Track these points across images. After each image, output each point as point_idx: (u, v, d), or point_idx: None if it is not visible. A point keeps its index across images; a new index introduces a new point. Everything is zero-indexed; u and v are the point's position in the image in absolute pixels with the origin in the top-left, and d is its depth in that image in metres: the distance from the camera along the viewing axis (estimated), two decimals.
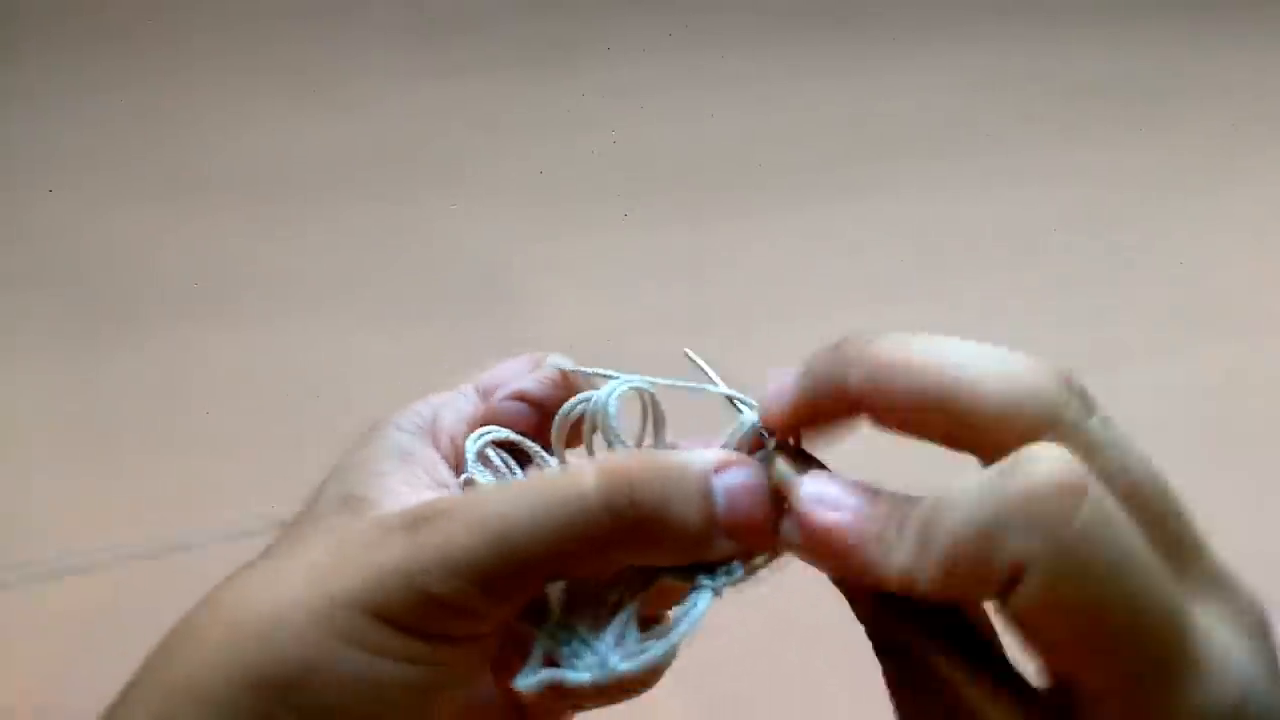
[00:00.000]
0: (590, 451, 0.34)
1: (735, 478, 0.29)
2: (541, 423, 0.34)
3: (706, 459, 0.29)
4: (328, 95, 1.60)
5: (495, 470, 0.33)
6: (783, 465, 0.29)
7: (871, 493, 0.27)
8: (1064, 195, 1.29)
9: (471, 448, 0.33)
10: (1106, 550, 0.24)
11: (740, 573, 0.30)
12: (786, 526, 0.28)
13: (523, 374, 0.36)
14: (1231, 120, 1.47)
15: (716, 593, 0.30)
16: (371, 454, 0.33)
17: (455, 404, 0.35)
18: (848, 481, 0.28)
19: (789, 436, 0.31)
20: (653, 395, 0.34)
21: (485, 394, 0.36)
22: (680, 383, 0.34)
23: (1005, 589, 0.24)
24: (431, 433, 0.34)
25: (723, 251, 1.20)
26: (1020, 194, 1.30)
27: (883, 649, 0.28)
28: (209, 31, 1.84)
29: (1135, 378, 0.96)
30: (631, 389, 0.33)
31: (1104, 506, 0.24)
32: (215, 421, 0.93)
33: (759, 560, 0.30)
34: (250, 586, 0.29)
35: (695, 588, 0.30)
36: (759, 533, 0.29)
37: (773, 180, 1.35)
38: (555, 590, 0.30)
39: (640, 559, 0.29)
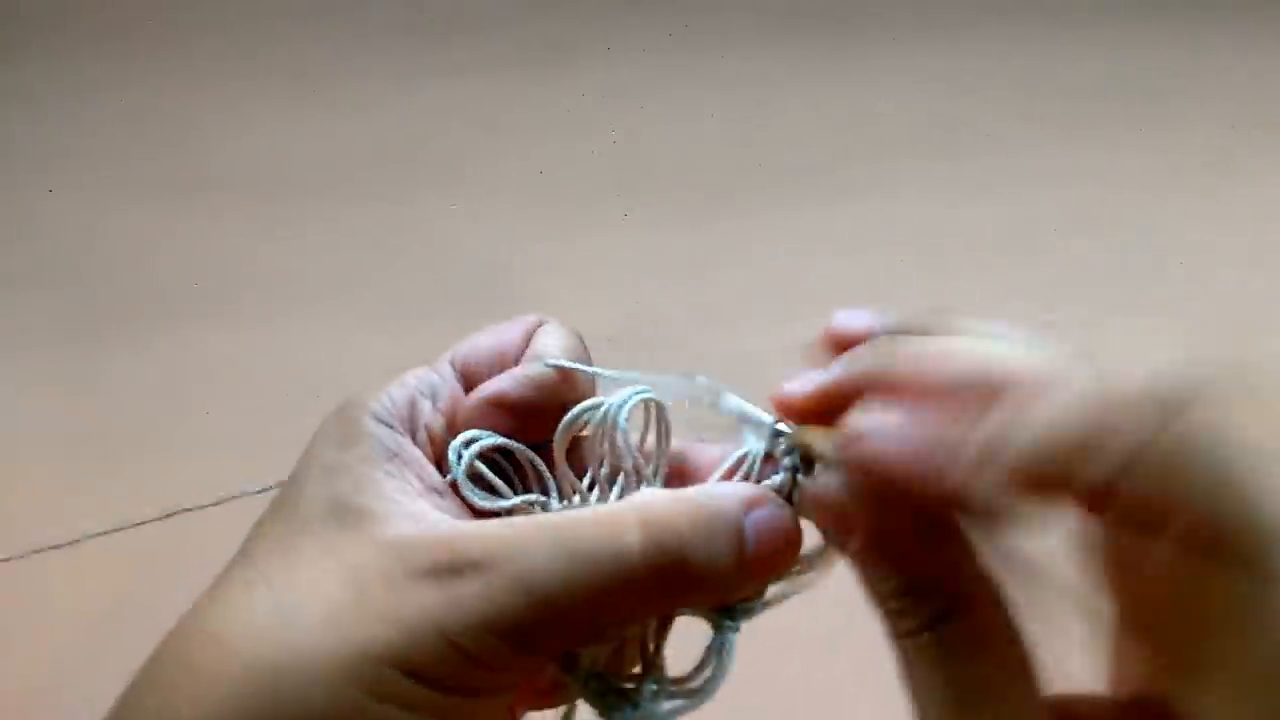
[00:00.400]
0: (592, 459, 0.32)
1: (763, 516, 0.28)
2: (524, 424, 0.32)
3: (737, 497, 0.28)
4: (328, 95, 1.60)
5: (490, 488, 0.32)
6: (811, 434, 0.29)
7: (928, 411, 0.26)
8: (1064, 195, 1.29)
9: (458, 462, 0.31)
10: (1221, 448, 0.24)
11: (759, 610, 0.30)
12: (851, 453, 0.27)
13: (504, 349, 0.34)
14: (1231, 120, 1.47)
15: (737, 630, 0.29)
16: (357, 455, 0.31)
17: (433, 390, 0.33)
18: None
19: (805, 421, 0.30)
20: (660, 406, 0.32)
21: (463, 371, 0.34)
22: (682, 387, 0.32)
23: (1103, 490, 0.24)
24: (409, 424, 0.32)
25: (723, 251, 1.20)
26: (1020, 194, 1.30)
27: (914, 597, 0.27)
28: (209, 32, 1.84)
29: None
30: (641, 399, 0.32)
31: (1220, 406, 0.24)
32: (215, 421, 0.93)
33: (774, 593, 0.30)
34: (256, 620, 0.28)
35: (719, 629, 0.29)
36: (784, 570, 0.29)
37: (773, 180, 1.34)
38: None
39: (674, 607, 0.29)
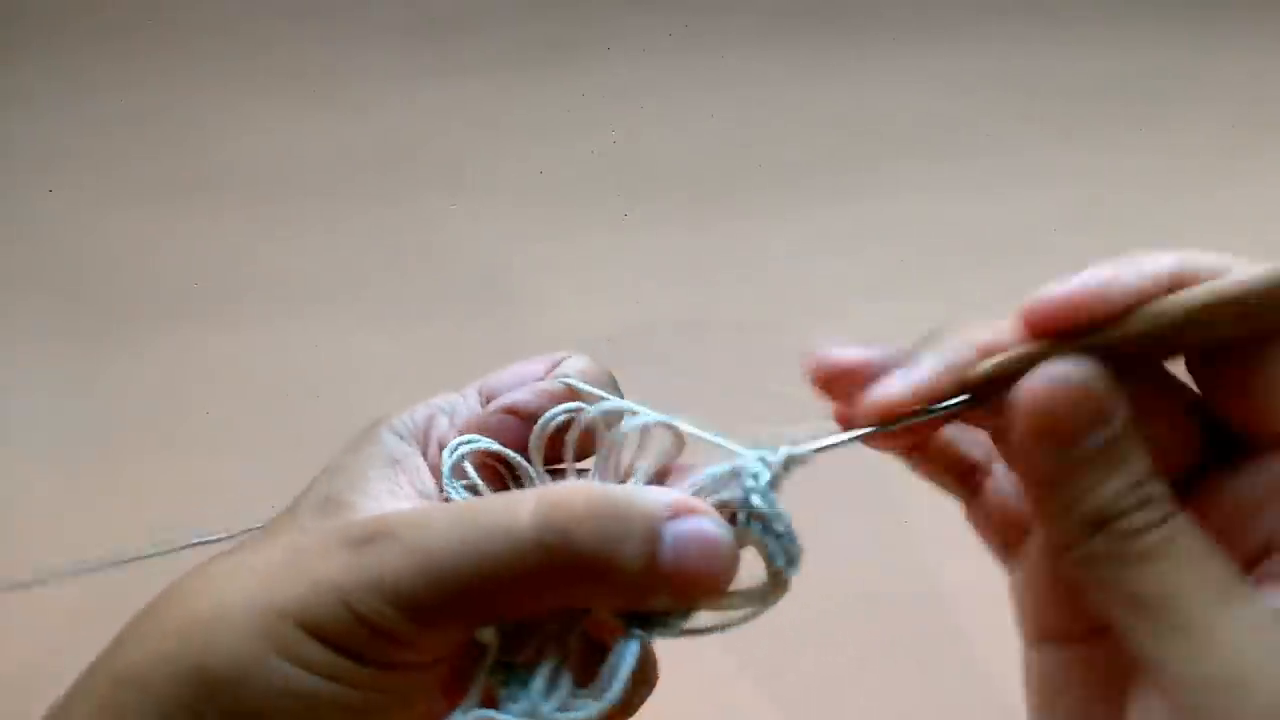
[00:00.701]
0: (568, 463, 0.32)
1: (689, 525, 0.27)
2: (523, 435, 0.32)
3: (661, 500, 0.27)
4: (328, 95, 1.60)
5: (470, 487, 0.32)
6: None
7: None
8: (1064, 195, 1.29)
9: (448, 460, 0.32)
10: None
11: (677, 628, 0.28)
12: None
13: (528, 380, 0.34)
14: (1231, 120, 1.47)
15: (644, 643, 0.28)
16: (360, 458, 0.32)
17: (453, 409, 0.34)
18: None
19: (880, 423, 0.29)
20: (677, 431, 0.31)
21: (487, 398, 0.34)
22: (694, 430, 0.31)
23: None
24: (424, 439, 0.33)
25: (723, 251, 1.20)
26: (1020, 194, 1.30)
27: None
28: (209, 32, 1.84)
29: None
30: (651, 424, 0.31)
31: None
32: (215, 421, 0.93)
33: (704, 622, 0.28)
34: (211, 579, 0.29)
35: (625, 633, 0.28)
36: (707, 589, 0.27)
37: (772, 180, 1.34)
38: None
39: (577, 600, 0.28)
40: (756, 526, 0.28)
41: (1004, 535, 0.34)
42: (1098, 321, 0.29)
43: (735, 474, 0.29)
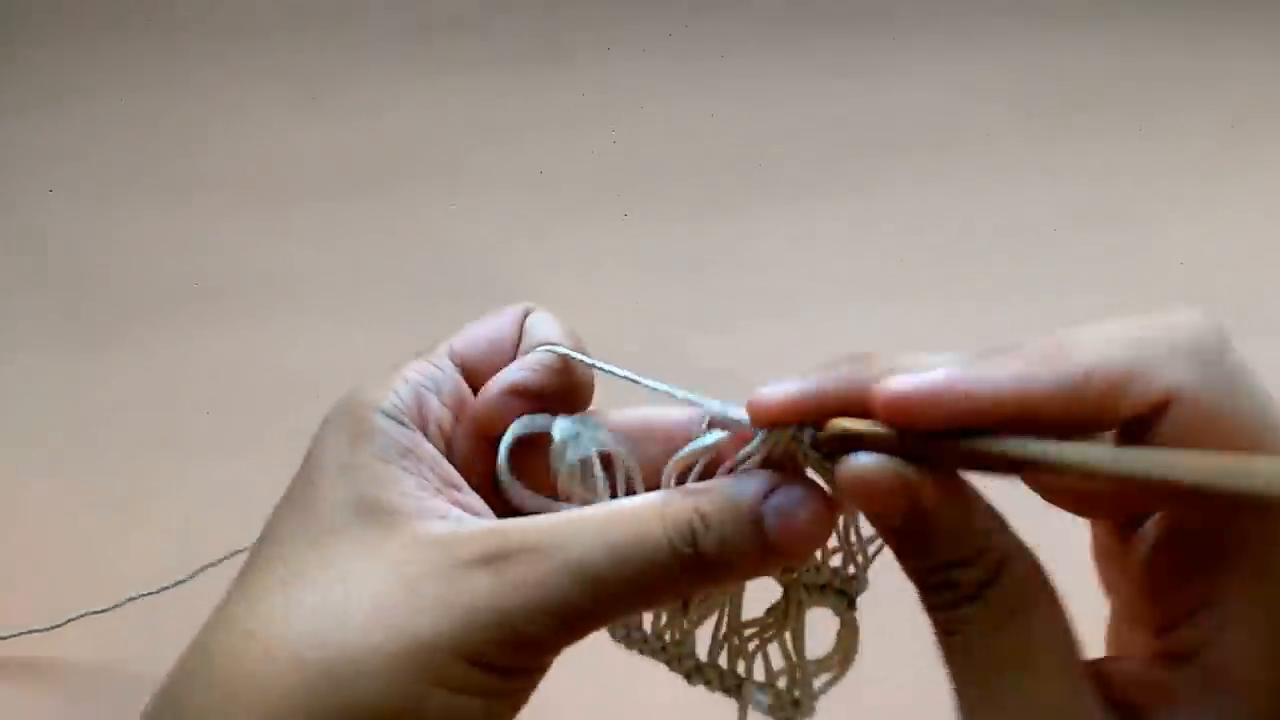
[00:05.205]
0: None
1: (783, 498, 0.30)
2: (540, 410, 0.33)
3: (756, 489, 0.30)
4: (327, 95, 1.60)
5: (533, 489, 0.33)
6: (843, 421, 0.29)
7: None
8: (1063, 194, 1.29)
9: (504, 453, 0.32)
10: (1254, 385, 0.27)
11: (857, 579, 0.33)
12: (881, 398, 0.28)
13: (501, 343, 0.34)
14: (1231, 120, 1.47)
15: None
16: (371, 453, 0.31)
17: (437, 384, 0.34)
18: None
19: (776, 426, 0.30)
20: (620, 454, 0.33)
21: (463, 363, 0.34)
22: (671, 389, 0.33)
23: (1147, 414, 0.26)
24: (420, 420, 0.33)
25: (723, 251, 1.20)
26: (1020, 193, 1.30)
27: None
28: (209, 32, 1.84)
29: None
30: (594, 453, 0.32)
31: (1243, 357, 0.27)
32: (215, 421, 0.93)
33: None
34: (305, 619, 0.28)
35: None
36: (815, 539, 0.30)
37: (773, 180, 1.34)
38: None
39: (711, 590, 0.31)
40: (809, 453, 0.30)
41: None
42: (937, 428, 0.28)
43: (708, 424, 0.32)
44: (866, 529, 0.32)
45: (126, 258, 1.19)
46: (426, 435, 0.33)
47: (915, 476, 0.27)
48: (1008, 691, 0.27)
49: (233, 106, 1.56)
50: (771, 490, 0.29)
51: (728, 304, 1.10)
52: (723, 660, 0.32)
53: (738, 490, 0.29)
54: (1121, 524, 0.31)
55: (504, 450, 0.32)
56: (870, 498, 0.28)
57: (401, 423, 0.32)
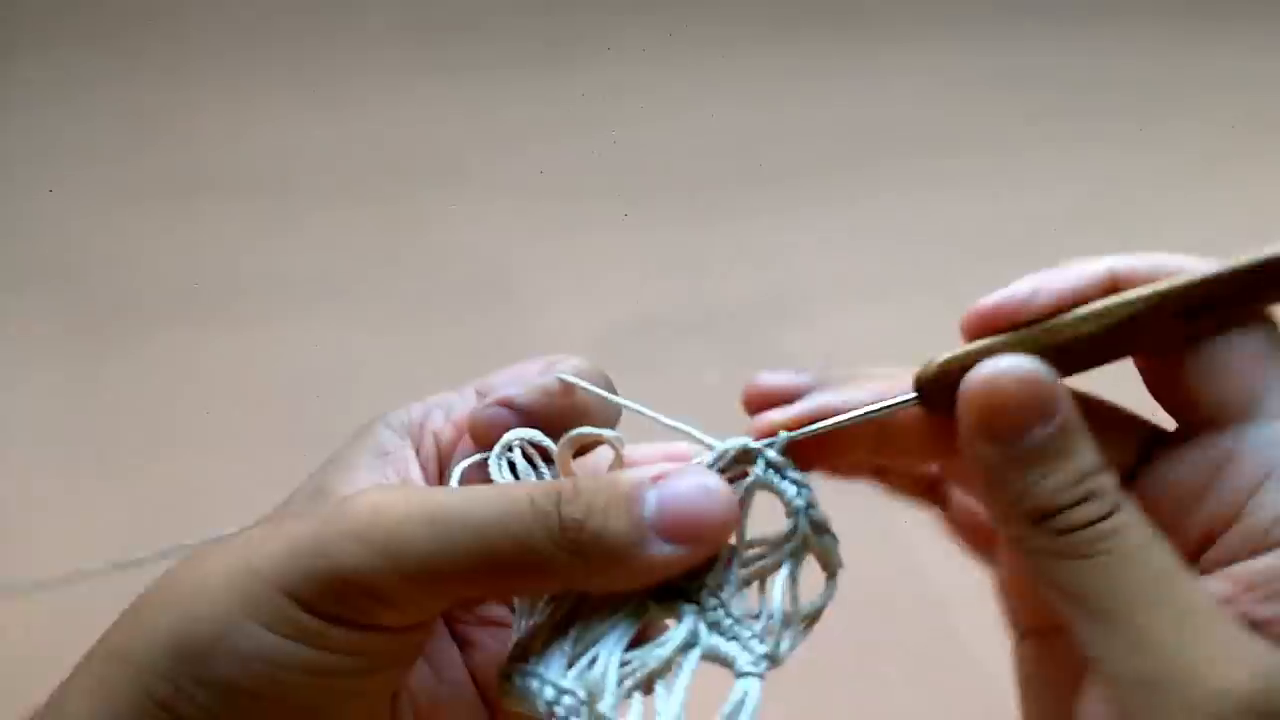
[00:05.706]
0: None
1: (674, 484, 0.28)
2: (532, 427, 0.33)
3: (644, 472, 0.29)
4: (328, 95, 1.60)
5: (511, 465, 0.33)
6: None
7: None
8: (1064, 194, 1.29)
9: (501, 441, 0.33)
10: None
11: (732, 583, 0.30)
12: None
13: (524, 380, 0.34)
14: (1231, 120, 1.47)
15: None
16: (353, 451, 0.33)
17: (449, 405, 0.35)
18: None
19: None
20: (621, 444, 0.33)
21: (483, 397, 0.35)
22: (690, 429, 0.32)
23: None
24: (417, 432, 0.34)
25: (723, 251, 1.20)
26: (1021, 193, 1.30)
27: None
28: (209, 31, 1.84)
29: (1135, 376, 0.96)
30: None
31: None
32: (215, 421, 0.93)
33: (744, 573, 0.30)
34: (200, 558, 0.29)
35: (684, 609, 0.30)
36: (706, 529, 0.28)
37: (773, 180, 1.34)
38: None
39: (598, 582, 0.29)
40: (770, 475, 0.30)
41: (975, 538, 0.35)
42: (1035, 319, 0.29)
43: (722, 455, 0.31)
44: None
45: (126, 258, 1.19)
46: (422, 445, 0.33)
47: (1057, 381, 0.28)
48: (1180, 596, 0.26)
49: (233, 106, 1.56)
50: (664, 476, 0.28)
51: (727, 304, 1.10)
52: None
53: (627, 474, 0.29)
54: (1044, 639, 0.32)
55: (459, 462, 0.33)
56: (1004, 405, 0.27)
57: (395, 431, 0.34)
